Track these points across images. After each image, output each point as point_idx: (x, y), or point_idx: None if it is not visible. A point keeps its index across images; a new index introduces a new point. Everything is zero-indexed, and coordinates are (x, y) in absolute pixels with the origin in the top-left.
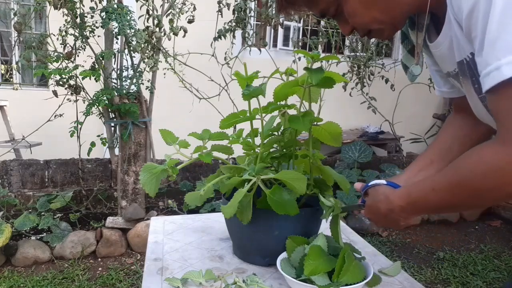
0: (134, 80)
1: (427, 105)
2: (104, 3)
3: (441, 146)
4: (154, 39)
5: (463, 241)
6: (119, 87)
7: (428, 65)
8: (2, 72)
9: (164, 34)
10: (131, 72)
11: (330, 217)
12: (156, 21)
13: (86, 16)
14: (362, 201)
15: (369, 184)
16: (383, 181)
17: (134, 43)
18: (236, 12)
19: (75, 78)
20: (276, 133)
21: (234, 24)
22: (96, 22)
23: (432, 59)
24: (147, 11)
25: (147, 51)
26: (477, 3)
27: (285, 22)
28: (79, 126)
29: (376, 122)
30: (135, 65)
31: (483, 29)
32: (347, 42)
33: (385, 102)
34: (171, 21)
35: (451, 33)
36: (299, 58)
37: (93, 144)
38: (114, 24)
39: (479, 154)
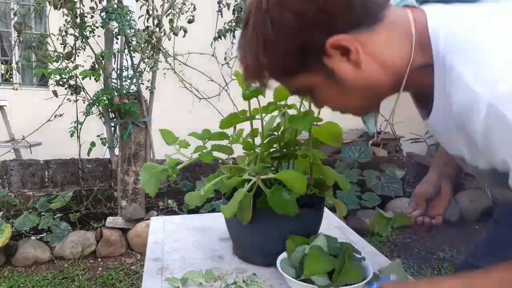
0: (134, 80)
1: None
2: (104, 3)
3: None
4: (154, 39)
5: (463, 241)
6: (119, 87)
7: None
8: (2, 72)
9: (164, 34)
10: (131, 72)
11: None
12: (156, 21)
13: (86, 16)
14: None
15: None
16: (394, 276)
17: (134, 43)
18: (236, 12)
19: (75, 78)
20: (276, 133)
21: (234, 24)
22: (96, 22)
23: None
24: (147, 11)
25: (147, 51)
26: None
27: None
28: (79, 126)
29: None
30: (135, 65)
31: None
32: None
33: (385, 102)
34: (171, 21)
35: (441, 127)
36: None
37: (93, 144)
38: (114, 24)
39: None
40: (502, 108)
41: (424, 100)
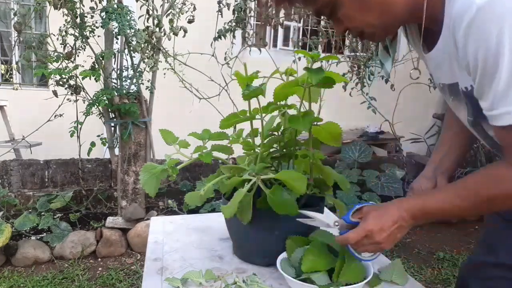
0: (134, 80)
1: (427, 105)
2: (104, 3)
3: (454, 128)
4: (154, 39)
5: (463, 241)
6: (119, 87)
7: None
8: (2, 72)
9: (164, 34)
10: (131, 72)
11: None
12: (156, 21)
13: (86, 16)
14: (346, 219)
15: (357, 206)
16: (371, 202)
17: (134, 43)
18: (236, 12)
19: (75, 78)
20: (276, 133)
21: (234, 24)
22: (96, 22)
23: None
24: (147, 11)
25: (147, 51)
26: (484, 53)
27: (285, 22)
28: (79, 126)
29: (376, 122)
30: (135, 65)
31: (491, 77)
32: (347, 42)
33: (385, 102)
34: (171, 21)
35: (441, 59)
36: (299, 58)
37: (93, 144)
38: (114, 24)
39: (495, 171)
40: (489, 10)
41: (430, 37)
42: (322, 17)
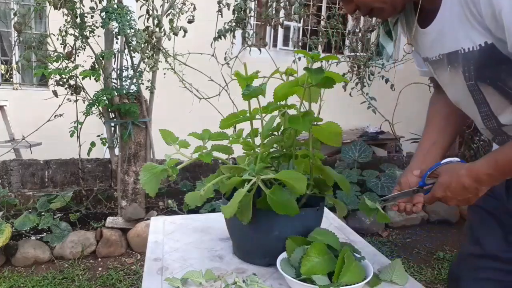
0: (134, 80)
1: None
2: (104, 3)
3: (437, 125)
4: (154, 39)
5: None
6: (119, 87)
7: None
8: (2, 72)
9: (164, 34)
10: (131, 72)
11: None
12: (156, 21)
13: (86, 16)
14: (421, 184)
15: (441, 162)
16: (456, 159)
17: (134, 43)
18: (236, 12)
19: (75, 78)
20: (276, 133)
21: (234, 24)
22: (96, 22)
23: (413, 41)
24: (147, 11)
25: (147, 51)
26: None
27: (285, 22)
28: (79, 126)
29: (376, 122)
30: (135, 65)
31: None
32: (347, 42)
33: (385, 102)
34: (171, 21)
35: (444, 25)
36: (299, 58)
37: (93, 144)
38: (114, 24)
39: None
40: None
41: (423, 14)
42: (326, 18)
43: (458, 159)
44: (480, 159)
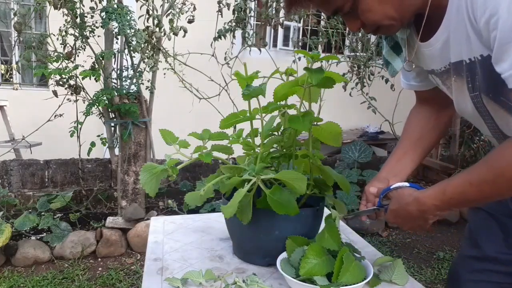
0: (134, 80)
1: None
2: (104, 3)
3: (412, 137)
4: (154, 39)
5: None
6: (119, 87)
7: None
8: (2, 72)
9: (164, 34)
10: (131, 72)
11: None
12: (156, 21)
13: (86, 16)
14: (379, 205)
15: (391, 187)
16: (405, 184)
17: (134, 43)
18: (236, 12)
19: (75, 78)
20: (276, 133)
21: (234, 24)
22: (96, 22)
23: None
24: (147, 11)
25: (147, 51)
26: (507, 4)
27: (285, 22)
28: (79, 126)
29: (376, 122)
30: (135, 65)
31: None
32: (347, 42)
33: (385, 102)
34: (171, 21)
35: (449, 34)
36: (299, 58)
37: (93, 144)
38: (114, 24)
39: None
40: None
41: (427, 26)
42: (334, 16)
43: (408, 184)
44: (430, 188)
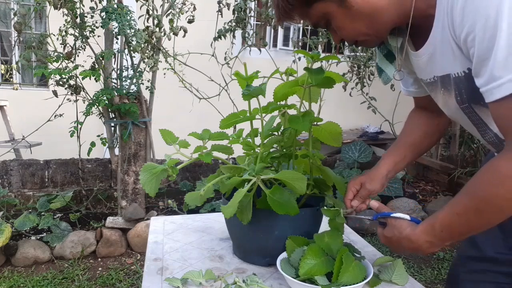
0: (134, 80)
1: None
2: (104, 3)
3: (412, 142)
4: (154, 39)
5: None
6: (119, 87)
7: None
8: (2, 72)
9: (164, 34)
10: (131, 72)
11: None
12: (156, 21)
13: (86, 16)
14: (375, 218)
15: (391, 214)
16: (406, 216)
17: (134, 43)
18: (236, 12)
19: (75, 78)
20: (276, 133)
21: (234, 24)
22: (96, 22)
23: (405, 63)
24: (147, 11)
25: (147, 51)
26: (483, 23)
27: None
28: (79, 126)
29: (376, 122)
30: (135, 65)
31: (490, 47)
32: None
33: (385, 102)
34: (171, 21)
35: (435, 48)
36: (299, 58)
37: (93, 144)
38: (114, 24)
39: (494, 167)
40: None
41: (416, 36)
42: (317, 28)
43: (408, 218)
44: (420, 224)
